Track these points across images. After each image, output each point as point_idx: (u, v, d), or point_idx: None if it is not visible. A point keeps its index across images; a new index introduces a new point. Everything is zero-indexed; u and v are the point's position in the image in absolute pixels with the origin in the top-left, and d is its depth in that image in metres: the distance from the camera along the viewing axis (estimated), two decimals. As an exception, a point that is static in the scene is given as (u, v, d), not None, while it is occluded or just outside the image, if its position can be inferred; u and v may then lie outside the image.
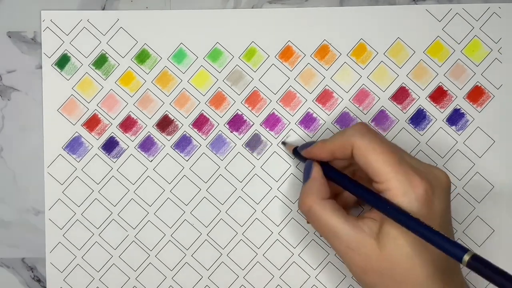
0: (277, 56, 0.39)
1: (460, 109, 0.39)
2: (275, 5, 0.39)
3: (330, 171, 0.35)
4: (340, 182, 0.34)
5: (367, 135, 0.32)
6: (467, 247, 0.31)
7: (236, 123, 0.39)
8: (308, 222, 0.36)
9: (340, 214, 0.33)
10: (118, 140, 0.39)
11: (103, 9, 0.39)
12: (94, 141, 0.39)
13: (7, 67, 0.39)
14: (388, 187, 0.31)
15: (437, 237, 0.29)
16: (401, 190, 0.31)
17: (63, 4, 0.39)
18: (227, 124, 0.39)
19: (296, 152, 0.37)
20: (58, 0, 0.39)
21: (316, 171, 0.34)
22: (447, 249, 0.28)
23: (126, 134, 0.39)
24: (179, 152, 0.39)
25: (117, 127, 0.39)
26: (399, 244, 0.31)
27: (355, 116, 0.39)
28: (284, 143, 0.39)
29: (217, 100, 0.39)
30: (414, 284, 0.31)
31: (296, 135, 0.39)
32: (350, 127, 0.33)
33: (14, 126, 0.39)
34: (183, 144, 0.39)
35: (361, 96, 0.39)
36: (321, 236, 0.34)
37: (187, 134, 0.39)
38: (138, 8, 0.39)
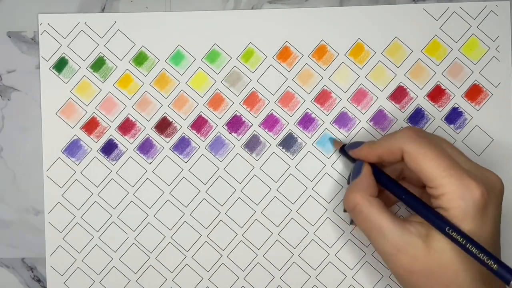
0: (275, 57, 0.39)
1: (458, 107, 0.39)
2: (275, 5, 0.39)
3: (379, 174, 0.34)
4: (389, 187, 0.34)
5: (416, 140, 0.32)
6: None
7: (235, 124, 0.39)
8: (350, 223, 0.36)
9: (388, 214, 0.32)
10: (117, 142, 0.39)
11: (102, 10, 0.39)
12: (93, 144, 0.39)
13: (7, 67, 0.39)
14: (443, 192, 0.31)
15: (486, 257, 0.29)
16: (457, 194, 0.30)
17: (63, 4, 0.39)
18: (226, 125, 0.39)
19: (343, 150, 0.37)
20: (58, 0, 0.39)
21: (366, 169, 0.34)
22: (496, 272, 0.29)
23: (124, 137, 0.39)
24: (178, 154, 0.39)
25: (116, 129, 0.39)
26: (451, 248, 0.31)
27: (354, 116, 0.39)
28: (331, 139, 0.39)
29: (216, 101, 0.39)
30: (460, 286, 0.31)
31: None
32: (399, 132, 0.33)
33: (14, 126, 0.39)
34: (182, 146, 0.39)
35: (359, 96, 0.39)
36: (365, 234, 0.33)
37: (186, 136, 0.39)
38: (138, 9, 0.39)
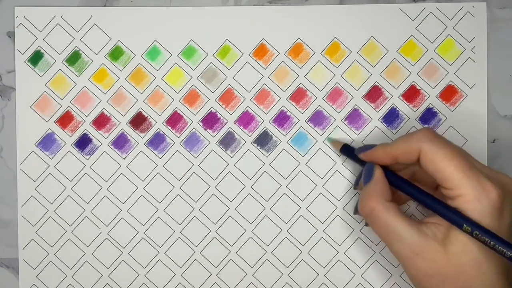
0: (251, 54, 0.39)
1: (432, 108, 0.39)
2: (275, 5, 0.39)
3: (392, 176, 0.34)
4: (404, 188, 0.34)
5: (435, 141, 0.32)
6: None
7: (210, 120, 0.39)
8: (366, 225, 0.36)
9: (404, 217, 0.32)
10: (91, 137, 0.39)
11: (106, 7, 0.39)
12: (67, 138, 0.39)
13: (7, 67, 0.39)
14: (459, 193, 0.31)
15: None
16: (473, 195, 0.30)
17: (65, 2, 0.39)
18: (201, 121, 0.39)
19: (344, 150, 0.37)
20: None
21: (379, 173, 0.34)
22: None
23: (99, 131, 0.39)
24: (152, 150, 0.39)
25: (90, 124, 0.39)
26: (468, 250, 0.31)
27: (329, 115, 0.39)
28: (330, 139, 0.39)
29: (191, 97, 0.39)
30: None
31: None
32: (416, 132, 0.33)
33: (14, 126, 0.39)
34: (157, 141, 0.39)
35: (335, 95, 0.39)
36: (381, 239, 0.33)
37: (161, 132, 0.39)
38: (139, 6, 0.39)
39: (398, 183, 0.34)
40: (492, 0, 0.39)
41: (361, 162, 0.36)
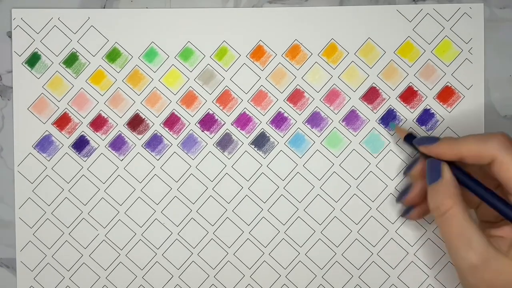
0: (248, 56, 0.39)
1: (430, 109, 0.39)
2: (275, 5, 0.39)
3: (462, 175, 0.33)
4: (475, 189, 0.33)
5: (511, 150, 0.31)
6: None
7: (207, 122, 0.39)
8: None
9: (475, 224, 0.31)
10: (89, 139, 0.39)
11: (103, 9, 0.39)
12: (64, 140, 0.39)
13: (6, 67, 0.39)
14: None
15: None
16: None
17: (64, 4, 0.39)
18: (198, 123, 0.39)
19: (408, 139, 0.36)
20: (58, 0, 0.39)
21: (448, 171, 0.33)
22: None
23: (96, 133, 0.39)
24: (150, 151, 0.39)
25: (88, 126, 0.39)
26: None
27: (326, 116, 0.39)
28: (393, 125, 0.38)
29: (188, 99, 0.39)
30: None
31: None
32: (492, 136, 0.32)
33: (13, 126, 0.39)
34: (154, 143, 0.39)
35: (332, 96, 0.39)
36: (446, 241, 0.32)
37: (158, 133, 0.39)
38: (138, 7, 0.39)
39: (469, 184, 0.33)
40: (492, 0, 0.39)
41: (424, 155, 0.35)
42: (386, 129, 0.39)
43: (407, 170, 0.37)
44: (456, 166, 0.34)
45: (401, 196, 0.38)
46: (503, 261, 0.31)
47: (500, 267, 0.30)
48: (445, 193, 0.32)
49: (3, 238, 0.39)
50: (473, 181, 0.33)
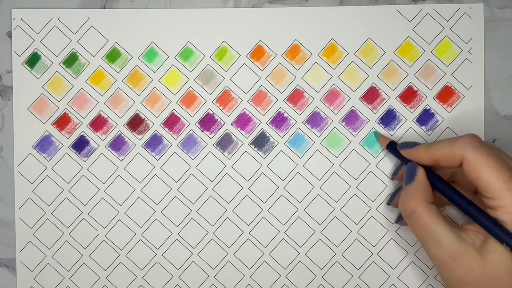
0: (248, 56, 0.39)
1: (430, 109, 0.39)
2: (275, 5, 0.39)
3: (434, 178, 0.34)
4: (445, 192, 0.34)
5: (479, 149, 0.32)
6: None
7: (207, 122, 0.39)
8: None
9: (444, 221, 0.32)
10: (89, 139, 0.39)
11: (103, 9, 0.39)
12: (64, 140, 0.39)
13: (6, 67, 0.39)
14: (501, 204, 0.31)
15: None
16: None
17: (64, 4, 0.39)
18: (198, 123, 0.39)
19: (390, 147, 0.37)
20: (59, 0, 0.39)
21: (421, 174, 0.34)
22: None
23: (96, 133, 0.39)
24: (150, 152, 0.39)
25: (88, 126, 0.39)
26: (505, 261, 0.31)
27: (326, 116, 0.39)
28: (376, 134, 0.39)
29: (188, 99, 0.39)
30: None
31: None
32: (460, 139, 0.33)
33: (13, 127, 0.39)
34: (154, 143, 0.39)
35: (332, 96, 0.39)
36: (419, 240, 0.33)
37: (158, 134, 0.39)
38: (138, 8, 0.39)
39: (440, 187, 0.34)
40: (491, 0, 0.39)
41: (405, 160, 0.36)
42: (386, 130, 0.39)
43: (394, 174, 0.38)
44: (433, 172, 0.34)
45: (391, 199, 0.38)
46: (474, 257, 0.31)
47: (471, 263, 0.31)
48: (413, 194, 0.33)
49: (3, 238, 0.39)
50: (445, 185, 0.34)
